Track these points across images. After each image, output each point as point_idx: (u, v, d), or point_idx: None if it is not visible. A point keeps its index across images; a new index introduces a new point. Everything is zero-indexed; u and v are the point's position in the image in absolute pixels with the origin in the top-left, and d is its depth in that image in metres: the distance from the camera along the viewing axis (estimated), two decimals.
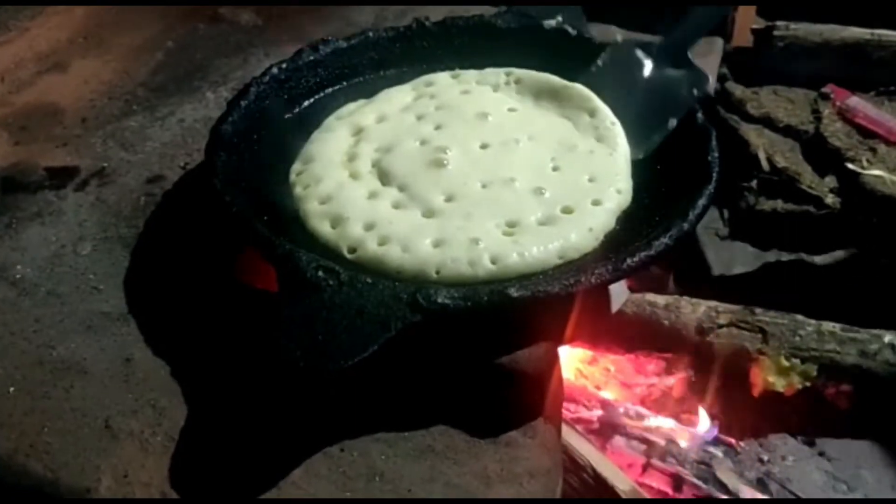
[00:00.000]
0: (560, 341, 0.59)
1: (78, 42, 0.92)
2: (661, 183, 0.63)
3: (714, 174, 0.60)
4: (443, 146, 0.63)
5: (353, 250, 0.57)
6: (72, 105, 0.82)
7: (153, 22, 0.95)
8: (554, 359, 0.56)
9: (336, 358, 0.47)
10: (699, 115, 0.65)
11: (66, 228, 0.68)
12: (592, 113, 0.67)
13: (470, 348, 0.54)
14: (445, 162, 0.62)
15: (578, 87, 0.69)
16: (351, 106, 0.71)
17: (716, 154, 0.62)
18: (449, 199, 0.60)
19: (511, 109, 0.68)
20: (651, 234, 0.56)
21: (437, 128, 0.66)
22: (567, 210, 0.59)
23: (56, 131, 0.79)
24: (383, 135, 0.66)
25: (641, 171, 0.64)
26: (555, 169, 0.62)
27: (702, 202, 0.58)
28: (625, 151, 0.64)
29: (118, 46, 0.91)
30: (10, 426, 0.54)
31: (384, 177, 0.62)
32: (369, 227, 0.58)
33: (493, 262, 0.55)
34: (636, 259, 0.54)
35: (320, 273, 0.52)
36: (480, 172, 0.61)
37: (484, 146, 0.64)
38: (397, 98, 0.70)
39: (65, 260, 0.65)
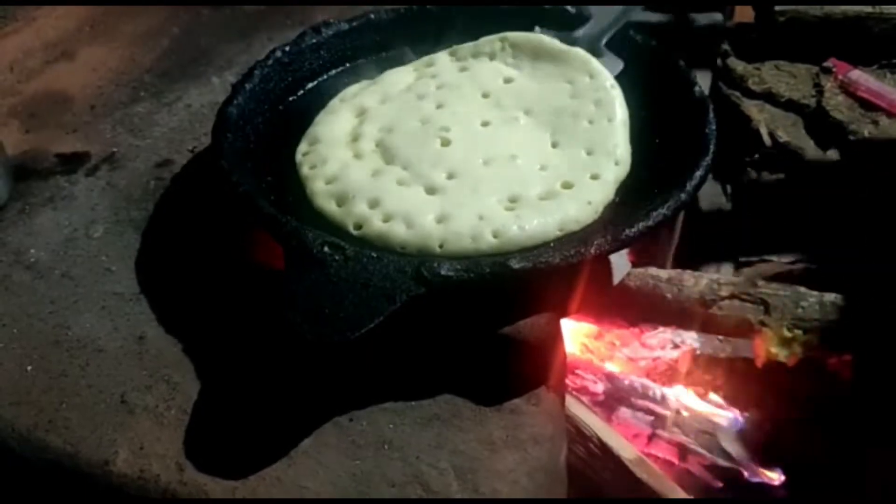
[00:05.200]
0: (562, 312, 0.60)
1: (85, 30, 0.93)
2: (660, 156, 0.64)
3: (711, 146, 0.61)
4: (445, 125, 0.65)
5: (358, 227, 0.58)
6: (80, 92, 0.83)
7: (158, 9, 0.96)
8: (556, 329, 0.58)
9: (342, 329, 0.49)
10: (697, 88, 0.65)
11: (78, 213, 0.69)
12: (592, 74, 0.68)
13: (474, 319, 0.55)
14: (447, 140, 0.63)
15: (576, 49, 0.69)
16: (354, 88, 0.72)
17: (713, 127, 0.63)
18: (451, 176, 0.61)
19: (508, 80, 0.69)
20: (649, 206, 0.57)
21: (439, 107, 0.67)
22: (567, 185, 0.60)
23: (66, 118, 0.80)
24: (386, 115, 0.67)
25: (640, 144, 0.65)
26: (554, 145, 0.63)
27: (699, 173, 0.59)
28: (623, 118, 0.65)
29: (124, 34, 0.92)
30: (29, 403, 0.56)
31: (387, 155, 0.63)
32: (374, 204, 0.59)
33: (495, 236, 0.56)
34: (634, 230, 0.55)
35: (326, 249, 0.53)
36: (482, 150, 0.63)
37: (485, 124, 0.65)
38: (399, 79, 0.71)
39: (78, 243, 0.67)
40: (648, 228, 0.55)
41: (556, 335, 0.58)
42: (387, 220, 0.58)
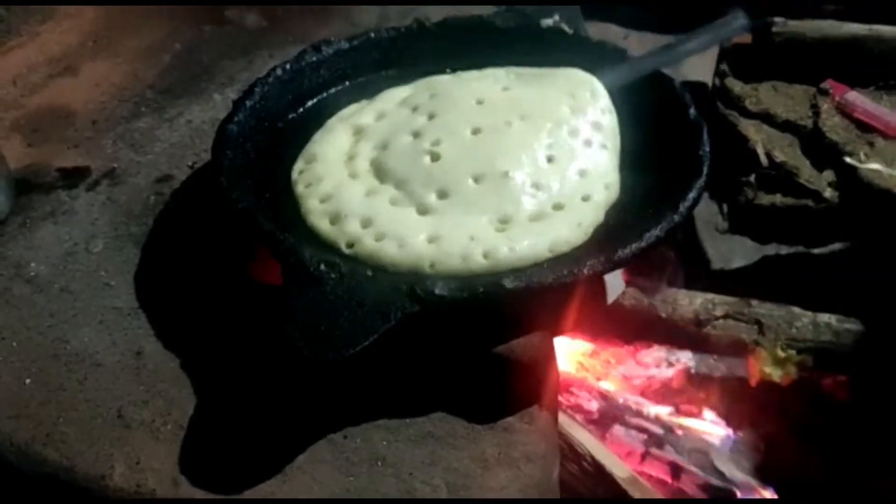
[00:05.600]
0: (556, 331, 0.61)
1: (88, 45, 0.94)
2: (655, 176, 0.64)
3: (705, 168, 0.62)
4: (435, 138, 0.64)
5: (350, 245, 0.59)
6: (83, 107, 0.84)
7: (161, 24, 0.97)
8: (550, 348, 0.58)
9: (338, 346, 0.49)
10: (691, 110, 0.66)
11: (78, 227, 0.70)
12: (593, 93, 0.68)
13: (468, 338, 0.56)
14: (437, 155, 0.63)
15: (580, 70, 0.70)
16: (353, 107, 0.72)
17: (707, 148, 0.63)
18: (442, 196, 0.61)
19: (506, 89, 0.69)
20: (643, 227, 0.57)
21: (431, 117, 0.66)
22: (558, 206, 0.60)
23: (68, 133, 0.81)
24: (381, 132, 0.67)
25: (635, 164, 0.65)
26: (549, 160, 0.63)
27: (692, 195, 0.60)
28: (617, 145, 0.65)
29: (127, 49, 0.93)
30: (27, 417, 0.57)
31: (381, 174, 0.64)
32: (366, 223, 0.60)
33: (485, 257, 0.56)
34: (628, 251, 0.55)
35: (322, 266, 0.54)
36: (472, 165, 0.62)
37: (476, 131, 0.64)
38: (396, 94, 0.72)
39: (77, 258, 0.67)
40: (641, 249, 0.56)
41: (550, 354, 0.58)
42: (379, 239, 0.58)
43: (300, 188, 0.64)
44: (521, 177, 0.61)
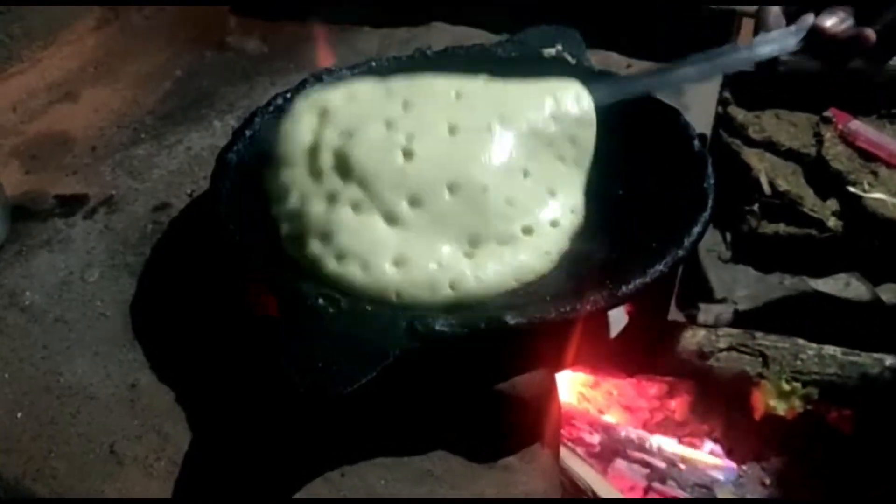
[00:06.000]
0: (558, 366, 0.60)
1: (89, 71, 0.93)
2: (658, 208, 0.63)
3: (709, 202, 0.61)
4: (409, 132, 0.60)
5: (313, 267, 0.57)
6: (82, 134, 0.84)
7: (161, 50, 0.97)
8: (552, 384, 0.57)
9: (335, 382, 0.48)
10: (696, 142, 0.65)
11: (74, 256, 0.69)
12: (579, 100, 0.64)
13: (468, 374, 0.55)
14: (410, 153, 0.59)
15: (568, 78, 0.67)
16: (321, 85, 0.68)
17: (712, 181, 0.62)
18: (414, 203, 0.57)
19: (489, 81, 0.65)
20: (647, 261, 0.56)
21: (406, 106, 0.62)
22: (527, 230, 0.59)
23: (66, 160, 0.80)
24: (349, 115, 0.62)
25: (640, 196, 0.65)
26: (525, 174, 0.61)
27: (696, 230, 0.58)
28: (588, 166, 0.64)
29: (128, 75, 0.93)
30: (18, 451, 0.56)
31: (345, 170, 0.59)
32: (326, 238, 0.57)
33: (452, 288, 0.55)
34: (632, 286, 0.54)
35: (321, 301, 0.53)
36: (448, 171, 0.58)
37: (453, 130, 0.61)
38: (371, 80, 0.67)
39: (73, 287, 0.66)
40: (646, 285, 0.55)
41: (551, 391, 0.57)
42: (341, 258, 0.56)
43: (273, 209, 0.61)
44: (497, 193, 0.58)
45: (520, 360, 0.55)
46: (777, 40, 0.64)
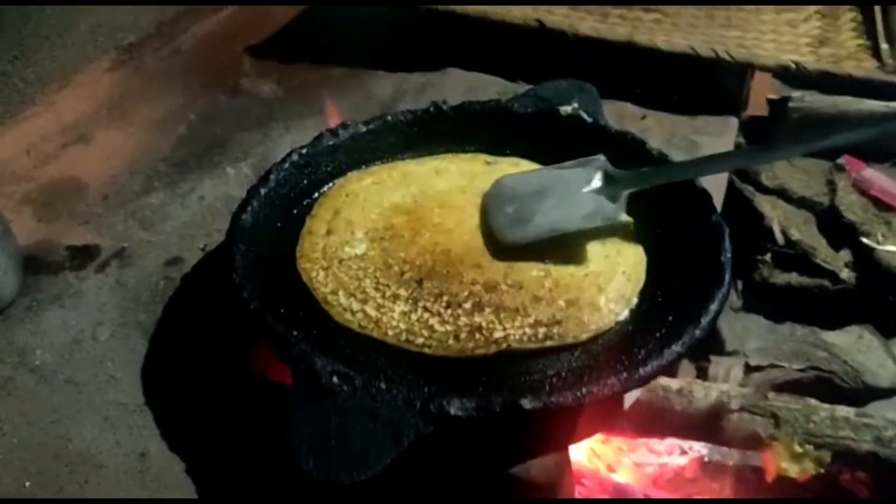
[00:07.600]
0: (572, 440, 0.59)
1: (102, 113, 0.94)
2: (674, 279, 0.63)
3: (726, 276, 0.60)
4: None
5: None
6: (94, 180, 0.84)
7: (176, 93, 0.97)
8: (566, 465, 0.56)
9: (349, 469, 0.48)
10: (714, 215, 0.65)
11: (85, 312, 0.69)
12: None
13: (482, 456, 0.54)
14: None
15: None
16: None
17: (728, 254, 0.62)
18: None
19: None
20: (663, 339, 0.56)
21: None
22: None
23: (78, 208, 0.80)
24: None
25: (655, 265, 0.64)
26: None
27: (714, 307, 0.58)
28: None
29: (141, 119, 0.93)
30: None
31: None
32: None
33: None
34: (648, 369, 0.54)
35: (335, 379, 0.52)
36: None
37: None
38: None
39: (84, 346, 0.66)
40: (662, 367, 0.54)
41: (565, 471, 0.56)
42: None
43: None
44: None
45: (535, 442, 0.55)
46: None
